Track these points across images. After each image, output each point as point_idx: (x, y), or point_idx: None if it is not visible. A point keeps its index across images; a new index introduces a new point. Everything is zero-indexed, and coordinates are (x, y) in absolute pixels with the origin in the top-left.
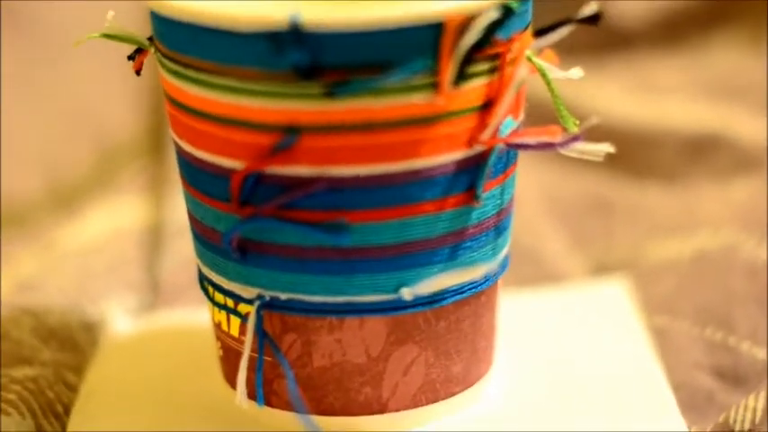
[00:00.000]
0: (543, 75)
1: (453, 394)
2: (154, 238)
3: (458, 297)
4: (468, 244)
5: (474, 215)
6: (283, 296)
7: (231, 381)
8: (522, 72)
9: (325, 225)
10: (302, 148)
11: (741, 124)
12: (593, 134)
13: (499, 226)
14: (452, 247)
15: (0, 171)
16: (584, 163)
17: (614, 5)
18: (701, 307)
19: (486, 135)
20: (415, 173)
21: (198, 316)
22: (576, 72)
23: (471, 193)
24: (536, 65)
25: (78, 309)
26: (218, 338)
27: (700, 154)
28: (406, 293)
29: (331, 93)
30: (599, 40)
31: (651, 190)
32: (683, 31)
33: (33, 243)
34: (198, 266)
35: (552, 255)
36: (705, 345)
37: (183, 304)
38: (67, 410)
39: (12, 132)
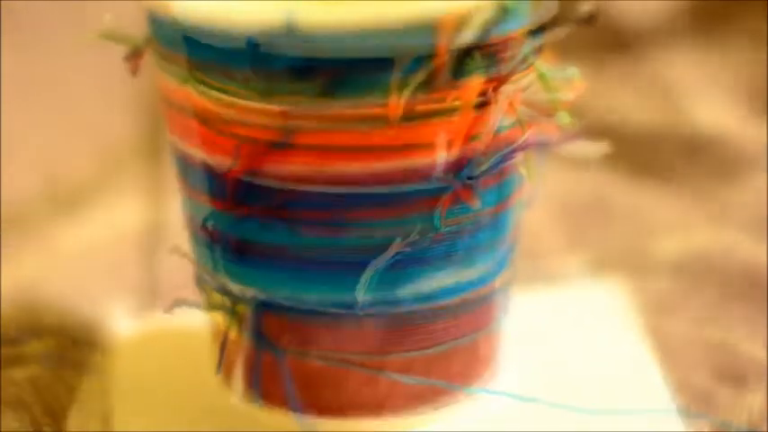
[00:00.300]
0: (540, 74)
1: (452, 395)
2: (153, 239)
3: (456, 296)
4: (467, 243)
5: (471, 214)
6: (280, 296)
7: (229, 381)
8: (518, 71)
9: (321, 224)
10: (298, 147)
11: (741, 125)
12: (592, 133)
13: (497, 225)
14: (450, 247)
15: (0, 172)
16: (582, 162)
17: (614, 5)
18: (700, 307)
19: (482, 133)
20: (412, 171)
21: (196, 317)
22: (573, 71)
23: (468, 191)
24: (533, 64)
25: (78, 310)
26: (216, 339)
27: (699, 154)
28: (404, 293)
29: (326, 92)
30: (598, 39)
31: (650, 190)
32: (684, 32)
33: (33, 244)
34: (195, 267)
35: (550, 254)
36: (703, 345)
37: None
38: (66, 411)
39: (12, 133)
